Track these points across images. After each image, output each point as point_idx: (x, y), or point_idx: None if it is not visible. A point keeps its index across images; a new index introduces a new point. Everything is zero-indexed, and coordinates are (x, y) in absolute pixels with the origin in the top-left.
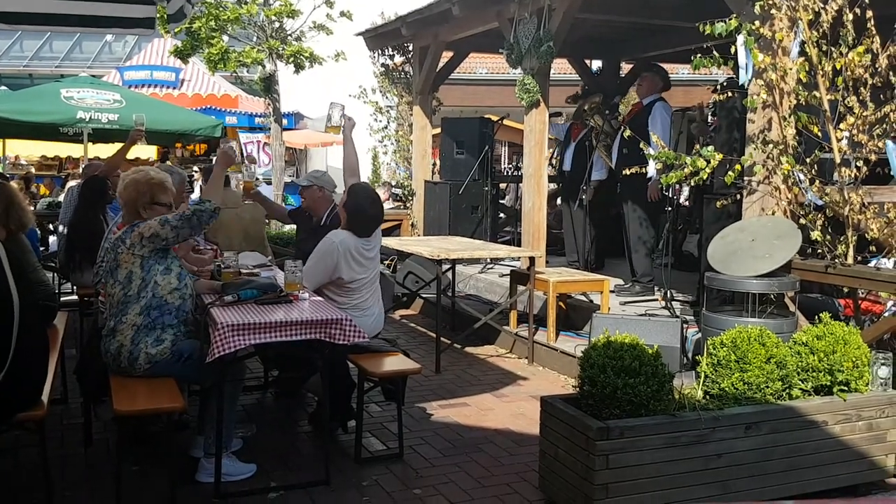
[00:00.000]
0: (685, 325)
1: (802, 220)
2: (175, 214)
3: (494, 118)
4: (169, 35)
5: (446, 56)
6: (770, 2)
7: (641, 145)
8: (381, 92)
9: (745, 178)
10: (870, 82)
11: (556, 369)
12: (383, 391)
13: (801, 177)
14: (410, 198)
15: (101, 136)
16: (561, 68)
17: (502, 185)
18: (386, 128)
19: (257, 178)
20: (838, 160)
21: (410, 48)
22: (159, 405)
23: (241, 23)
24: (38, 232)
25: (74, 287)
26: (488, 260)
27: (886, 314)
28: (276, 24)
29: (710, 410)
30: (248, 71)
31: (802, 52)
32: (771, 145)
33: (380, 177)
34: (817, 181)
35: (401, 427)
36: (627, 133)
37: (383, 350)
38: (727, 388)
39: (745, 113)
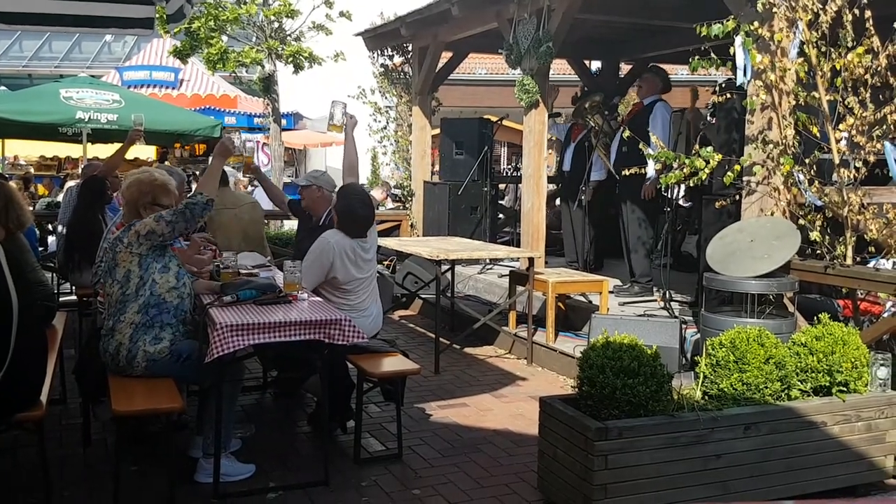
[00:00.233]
0: (684, 326)
1: (801, 221)
2: (169, 210)
3: (494, 119)
4: (168, 35)
5: (445, 56)
6: (770, 1)
7: (640, 145)
8: (380, 92)
9: (745, 178)
10: (869, 83)
11: (555, 370)
12: (382, 392)
13: (801, 177)
14: (409, 198)
15: (100, 136)
16: (560, 69)
17: (501, 186)
18: (385, 128)
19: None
20: (837, 161)
21: (410, 48)
22: (158, 405)
23: (240, 23)
24: (37, 232)
25: (73, 287)
26: (487, 260)
27: (885, 315)
28: (276, 25)
29: (708, 411)
30: (247, 71)
31: (801, 53)
32: (770, 146)
33: (379, 177)
34: (816, 182)
35: (400, 427)
36: (627, 133)
37: (382, 350)
38: (726, 389)
39: (744, 114)
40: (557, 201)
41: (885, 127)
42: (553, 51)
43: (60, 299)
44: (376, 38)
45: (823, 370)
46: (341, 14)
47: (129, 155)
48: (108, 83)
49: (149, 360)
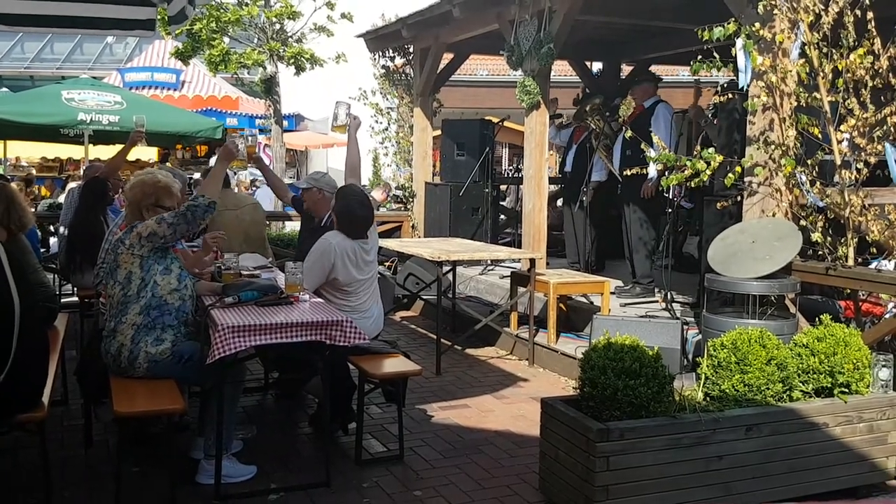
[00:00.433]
0: (685, 327)
1: (803, 222)
2: (171, 212)
3: (495, 120)
4: (170, 37)
5: (447, 58)
6: (772, 2)
7: (643, 146)
8: (381, 94)
9: (746, 179)
10: (870, 84)
11: (556, 371)
12: (384, 393)
13: (802, 178)
14: (411, 199)
15: (101, 137)
16: (561, 70)
17: (503, 187)
18: (386, 129)
19: (256, 179)
20: (839, 162)
21: (411, 50)
22: (159, 407)
23: (241, 24)
24: (39, 233)
25: (75, 288)
26: (489, 261)
27: (887, 316)
28: (277, 26)
29: (710, 412)
30: (248, 72)
31: (803, 54)
32: (772, 147)
33: (380, 178)
34: (818, 183)
35: (401, 429)
36: (629, 134)
37: (384, 352)
38: (728, 390)
39: (745, 115)
40: (559, 202)
41: (885, 128)
42: (554, 52)
43: (62, 300)
44: (377, 39)
45: (825, 371)
46: (342, 16)
47: (131, 156)
48: (109, 85)
49: (150, 362)
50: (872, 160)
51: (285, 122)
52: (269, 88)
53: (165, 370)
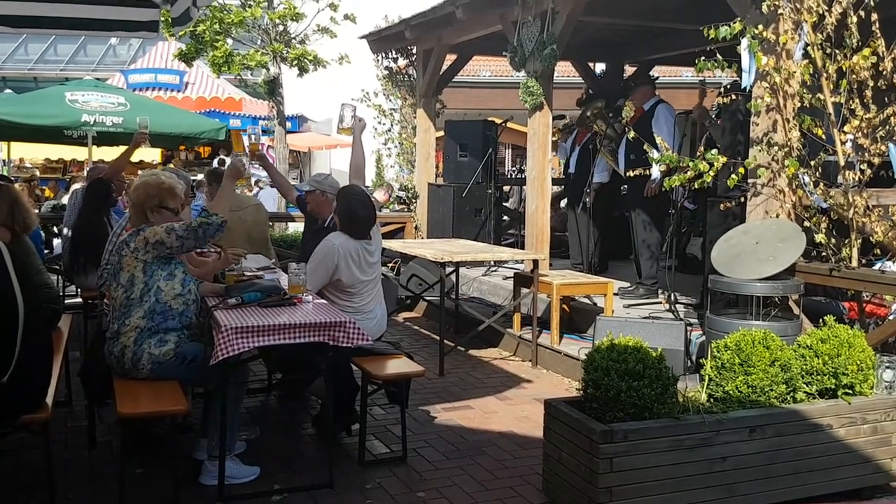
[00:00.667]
0: (689, 328)
1: (807, 223)
2: (182, 224)
3: (498, 121)
4: (173, 38)
5: (450, 59)
6: (775, 3)
7: (646, 147)
8: (384, 95)
9: (749, 180)
10: (872, 85)
11: (559, 372)
12: (387, 394)
13: (806, 179)
14: (414, 200)
15: (105, 139)
16: (565, 71)
17: (506, 188)
18: (389, 130)
19: (259, 180)
20: (842, 163)
21: (414, 51)
22: (163, 408)
23: (245, 26)
24: (43, 234)
25: (78, 290)
26: (492, 263)
27: (891, 317)
28: (280, 28)
29: (714, 413)
30: (252, 74)
31: (806, 55)
32: (776, 148)
33: (383, 179)
34: (822, 184)
35: (404, 430)
36: (632, 135)
37: (387, 353)
38: (731, 392)
39: (749, 116)
40: (562, 203)
41: (889, 129)
42: (557, 53)
43: (66, 302)
44: (380, 40)
45: (829, 373)
46: (346, 17)
47: (134, 158)
48: (113, 86)
49: (154, 363)
50: (876, 161)
51: (289, 124)
52: (272, 90)
53: (169, 371)
